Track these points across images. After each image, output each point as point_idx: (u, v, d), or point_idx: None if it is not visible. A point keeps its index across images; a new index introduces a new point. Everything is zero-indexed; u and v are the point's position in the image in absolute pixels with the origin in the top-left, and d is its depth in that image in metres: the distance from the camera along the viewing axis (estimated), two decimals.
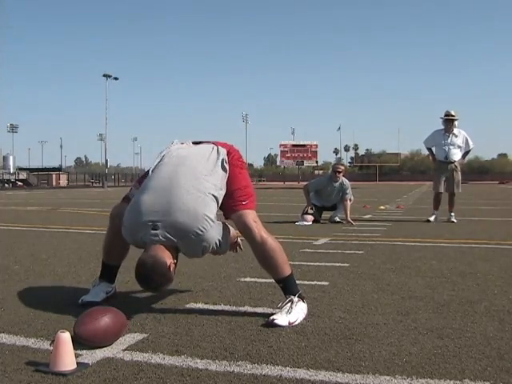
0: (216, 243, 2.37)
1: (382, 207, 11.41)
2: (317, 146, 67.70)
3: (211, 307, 2.62)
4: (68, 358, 1.75)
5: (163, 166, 2.53)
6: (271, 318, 2.31)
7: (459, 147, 8.07)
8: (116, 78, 50.41)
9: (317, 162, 70.64)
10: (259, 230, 2.43)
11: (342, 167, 8.16)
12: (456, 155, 8.06)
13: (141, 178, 2.69)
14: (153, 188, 2.43)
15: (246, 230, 2.44)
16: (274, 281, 2.52)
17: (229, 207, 2.49)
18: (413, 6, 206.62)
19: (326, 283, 3.19)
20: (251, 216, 2.46)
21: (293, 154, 66.96)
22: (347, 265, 3.88)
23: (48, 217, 9.29)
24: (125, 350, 1.97)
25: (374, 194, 22.54)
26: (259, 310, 2.56)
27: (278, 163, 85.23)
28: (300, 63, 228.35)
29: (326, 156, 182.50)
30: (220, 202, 2.45)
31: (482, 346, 2.02)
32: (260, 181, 79.94)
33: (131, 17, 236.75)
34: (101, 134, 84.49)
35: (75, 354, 1.79)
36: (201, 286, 3.11)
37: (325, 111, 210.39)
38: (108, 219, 2.72)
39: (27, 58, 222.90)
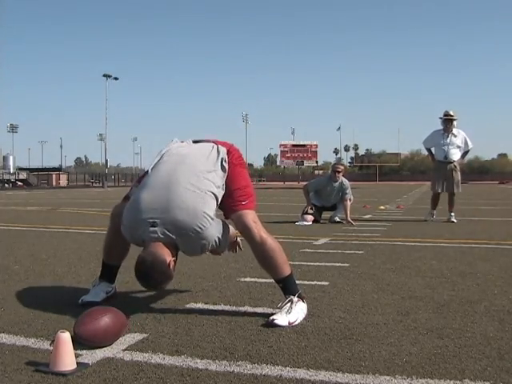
0: (215, 241, 2.37)
1: (381, 207, 11.41)
2: (317, 145, 67.72)
3: (211, 307, 2.62)
4: (68, 358, 1.75)
5: (163, 164, 2.53)
6: (271, 318, 2.31)
7: (458, 147, 8.07)
8: (116, 78, 50.40)
9: (317, 161, 70.65)
10: (259, 230, 2.43)
11: (342, 167, 8.16)
12: (455, 155, 8.07)
13: (141, 178, 2.68)
14: (152, 186, 2.43)
15: (245, 230, 2.44)
16: (273, 281, 2.52)
17: (228, 207, 2.49)
18: (413, 6, 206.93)
19: (326, 283, 3.19)
20: (250, 216, 2.46)
21: (293, 154, 66.97)
22: (347, 265, 3.88)
23: (48, 217, 9.29)
24: (125, 350, 1.97)
25: (373, 193, 22.54)
26: (259, 309, 2.56)
27: (278, 163, 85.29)
28: (300, 63, 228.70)
29: (326, 156, 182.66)
30: (219, 200, 2.45)
31: (482, 346, 2.02)
32: (260, 181, 79.93)
33: (131, 17, 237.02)
34: (101, 134, 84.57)
35: (75, 353, 1.79)
36: (201, 286, 3.11)
37: (325, 111, 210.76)
38: (108, 219, 2.72)
39: (27, 58, 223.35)
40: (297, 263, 3.78)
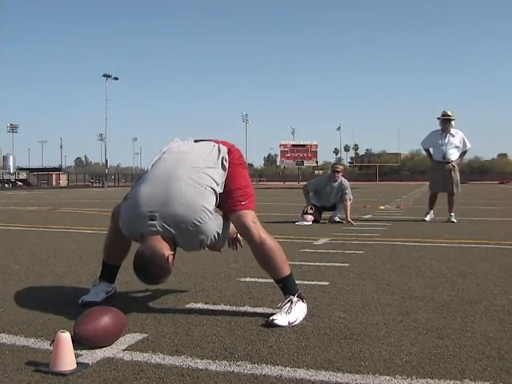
0: (214, 236, 2.37)
1: (381, 207, 11.41)
2: (317, 146, 67.77)
3: (211, 307, 2.62)
4: (68, 358, 1.75)
5: (163, 160, 2.54)
6: (271, 318, 2.31)
7: (456, 147, 8.09)
8: (116, 78, 50.42)
9: (317, 162, 70.70)
10: (258, 231, 2.42)
11: (341, 167, 8.17)
12: (453, 155, 8.08)
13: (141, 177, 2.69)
14: (151, 180, 2.44)
15: (244, 230, 2.44)
16: (273, 281, 2.52)
17: (228, 207, 2.49)
18: (413, 6, 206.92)
19: (326, 283, 3.19)
20: (250, 216, 2.46)
21: (293, 154, 67.01)
22: (347, 265, 3.88)
23: (48, 217, 9.29)
24: (125, 350, 1.97)
25: (374, 193, 22.54)
26: (259, 310, 2.56)
27: (278, 163, 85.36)
28: (300, 63, 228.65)
29: (326, 156, 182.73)
30: (218, 197, 2.44)
31: (482, 345, 2.02)
32: (260, 181, 79.88)
33: (131, 17, 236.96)
34: (101, 134, 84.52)
35: (75, 353, 1.80)
36: (201, 286, 3.11)
37: (325, 111, 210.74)
38: (108, 219, 2.71)
39: (27, 58, 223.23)
40: (297, 263, 3.78)
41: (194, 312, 2.52)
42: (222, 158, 2.54)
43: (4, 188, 41.21)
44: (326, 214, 8.01)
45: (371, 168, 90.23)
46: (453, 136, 8.06)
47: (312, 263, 3.94)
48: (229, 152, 2.59)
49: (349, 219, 7.39)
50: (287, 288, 2.44)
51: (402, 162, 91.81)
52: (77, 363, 1.77)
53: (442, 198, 8.23)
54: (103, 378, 1.70)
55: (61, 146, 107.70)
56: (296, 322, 2.31)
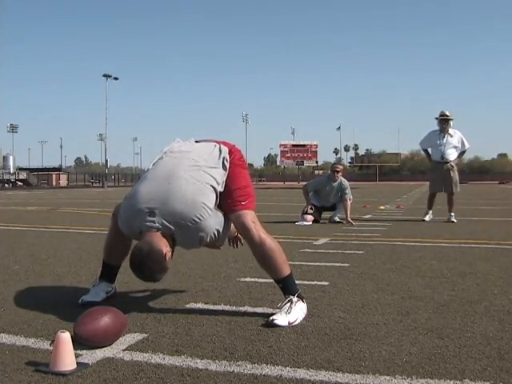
0: (214, 233, 2.36)
1: (381, 207, 11.41)
2: (317, 146, 67.74)
3: (211, 307, 2.62)
4: (68, 358, 1.75)
5: (164, 160, 2.54)
6: (271, 318, 2.31)
7: (455, 147, 8.11)
8: (116, 78, 50.42)
9: (317, 162, 70.67)
10: (258, 231, 2.42)
11: (341, 167, 8.17)
12: (452, 155, 8.10)
13: None
14: (151, 178, 2.45)
15: (244, 230, 2.44)
16: (273, 281, 2.52)
17: (228, 207, 2.49)
18: (413, 6, 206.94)
19: (326, 283, 3.19)
20: (250, 216, 2.46)
21: (293, 154, 66.99)
22: (347, 265, 3.88)
23: (48, 217, 9.29)
24: (125, 350, 1.97)
25: (374, 193, 22.54)
26: (259, 309, 2.56)
27: (278, 163, 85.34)
28: (300, 63, 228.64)
29: (326, 156, 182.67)
30: (218, 197, 2.44)
31: (482, 345, 2.02)
32: (260, 181, 79.90)
33: (131, 17, 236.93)
34: (101, 134, 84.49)
35: (75, 353, 1.80)
36: (201, 286, 3.11)
37: (325, 111, 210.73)
38: (108, 219, 2.71)
39: (27, 58, 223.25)
40: (297, 263, 3.78)
41: (193, 312, 2.52)
42: (223, 158, 2.54)
43: (4, 188, 41.22)
44: (326, 214, 8.01)
45: (371, 168, 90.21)
46: (451, 136, 8.07)
47: (312, 263, 3.94)
48: (230, 152, 2.60)
49: (349, 219, 7.39)
50: (287, 288, 2.44)
51: (402, 162, 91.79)
52: (77, 363, 1.77)
53: (441, 198, 8.23)
54: (103, 377, 1.70)
55: (61, 146, 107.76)
56: (296, 322, 2.31)
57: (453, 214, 7.88)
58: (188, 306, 2.65)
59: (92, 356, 1.89)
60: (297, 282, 2.53)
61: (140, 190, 2.40)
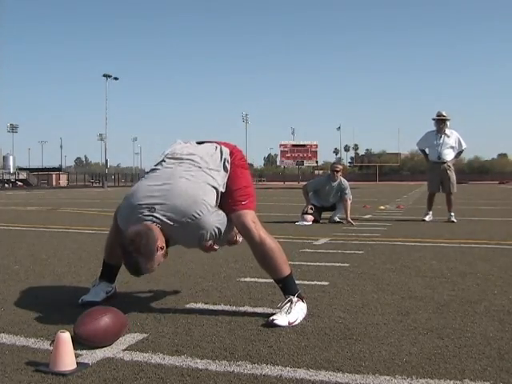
0: (214, 230, 2.35)
1: (381, 207, 11.41)
2: (317, 145, 67.73)
3: (211, 307, 2.62)
4: (68, 358, 1.75)
5: (165, 162, 2.55)
6: (271, 318, 2.31)
7: (452, 147, 8.12)
8: (116, 78, 50.40)
9: (317, 162, 70.66)
10: (258, 230, 2.43)
11: (340, 166, 8.17)
12: (449, 155, 8.11)
13: None
14: (153, 177, 2.46)
15: (244, 230, 2.44)
16: (273, 281, 2.52)
17: (228, 207, 2.49)
18: (413, 6, 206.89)
19: (326, 283, 3.19)
20: (250, 216, 2.46)
21: (293, 154, 66.99)
22: (347, 265, 3.88)
23: (48, 217, 9.29)
24: (125, 350, 1.97)
25: (374, 193, 22.54)
26: (259, 309, 2.56)
27: (278, 163, 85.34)
28: (300, 63, 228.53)
29: (326, 156, 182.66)
30: (219, 197, 2.45)
31: (482, 345, 2.02)
32: (260, 181, 79.93)
33: (131, 17, 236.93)
34: (101, 134, 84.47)
35: (75, 353, 1.80)
36: (201, 286, 3.11)
37: (325, 111, 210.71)
38: (108, 219, 2.71)
39: (27, 58, 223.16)
40: (297, 263, 3.78)
41: (194, 312, 2.52)
42: (224, 159, 2.55)
43: (4, 188, 41.23)
44: (326, 214, 8.01)
45: (371, 168, 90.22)
46: (448, 136, 8.09)
47: (312, 263, 3.94)
48: (231, 153, 2.61)
49: (349, 219, 7.39)
50: (287, 288, 2.45)
51: (402, 162, 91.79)
52: (77, 363, 1.77)
53: (441, 198, 8.24)
54: (103, 378, 1.70)
55: (61, 146, 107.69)
56: (296, 322, 2.31)
57: (453, 213, 7.88)
58: (188, 306, 2.65)
59: (92, 356, 1.89)
60: (297, 281, 2.53)
61: (140, 188, 2.41)
